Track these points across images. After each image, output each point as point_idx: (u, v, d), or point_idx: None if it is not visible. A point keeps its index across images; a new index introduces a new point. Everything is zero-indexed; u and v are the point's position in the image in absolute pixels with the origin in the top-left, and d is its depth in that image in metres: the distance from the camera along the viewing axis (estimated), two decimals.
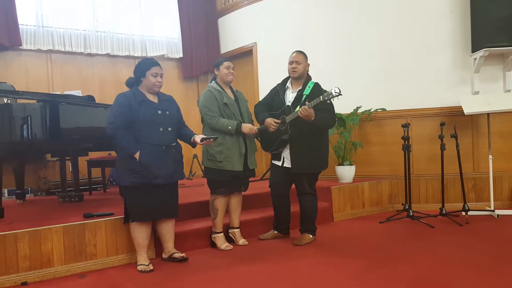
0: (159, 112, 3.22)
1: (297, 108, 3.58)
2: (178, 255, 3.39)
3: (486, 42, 4.74)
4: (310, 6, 5.97)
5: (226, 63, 3.75)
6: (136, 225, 3.23)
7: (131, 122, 3.13)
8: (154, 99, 3.29)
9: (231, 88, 3.86)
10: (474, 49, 4.95)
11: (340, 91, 3.36)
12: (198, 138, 3.38)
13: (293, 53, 3.82)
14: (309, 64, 3.82)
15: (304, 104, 3.50)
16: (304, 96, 3.67)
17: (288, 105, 3.72)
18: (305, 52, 3.83)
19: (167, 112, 3.28)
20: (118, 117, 3.11)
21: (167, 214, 3.33)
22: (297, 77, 3.77)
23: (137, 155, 3.08)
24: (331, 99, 3.47)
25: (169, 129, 3.26)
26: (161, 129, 3.20)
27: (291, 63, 3.77)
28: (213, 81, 3.80)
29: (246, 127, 3.62)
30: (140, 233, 3.25)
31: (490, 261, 3.10)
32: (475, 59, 4.95)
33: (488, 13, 4.73)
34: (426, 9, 5.22)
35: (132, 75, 3.32)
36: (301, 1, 6.07)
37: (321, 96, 3.44)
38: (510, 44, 4.72)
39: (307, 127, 3.58)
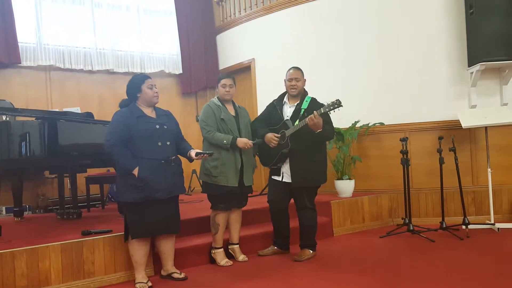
0: (157, 126, 3.23)
1: (296, 122, 3.59)
2: (177, 275, 3.34)
3: (482, 57, 4.77)
4: (308, 22, 6.02)
5: (223, 81, 3.73)
6: (134, 242, 3.20)
7: (129, 138, 3.13)
8: (152, 114, 3.30)
9: (233, 103, 3.85)
10: (470, 64, 4.99)
11: (340, 102, 3.39)
12: (193, 152, 3.38)
13: (290, 69, 3.82)
14: (305, 79, 3.84)
15: (305, 118, 3.50)
16: (302, 110, 3.67)
17: (287, 119, 3.72)
18: (303, 68, 3.85)
19: (165, 126, 3.28)
20: (114, 134, 3.13)
21: (167, 230, 3.29)
22: (296, 94, 3.78)
23: (135, 171, 3.08)
24: (330, 112, 3.47)
25: (168, 143, 3.26)
26: (159, 143, 3.20)
27: (290, 80, 3.76)
28: (216, 96, 3.82)
29: (241, 142, 3.60)
30: (139, 250, 3.22)
31: (492, 275, 3.08)
32: (472, 73, 4.98)
33: (483, 27, 4.76)
34: (423, 24, 5.27)
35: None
36: (298, 18, 6.12)
37: (326, 105, 3.43)
38: (506, 58, 4.75)
39: (308, 140, 3.58)
